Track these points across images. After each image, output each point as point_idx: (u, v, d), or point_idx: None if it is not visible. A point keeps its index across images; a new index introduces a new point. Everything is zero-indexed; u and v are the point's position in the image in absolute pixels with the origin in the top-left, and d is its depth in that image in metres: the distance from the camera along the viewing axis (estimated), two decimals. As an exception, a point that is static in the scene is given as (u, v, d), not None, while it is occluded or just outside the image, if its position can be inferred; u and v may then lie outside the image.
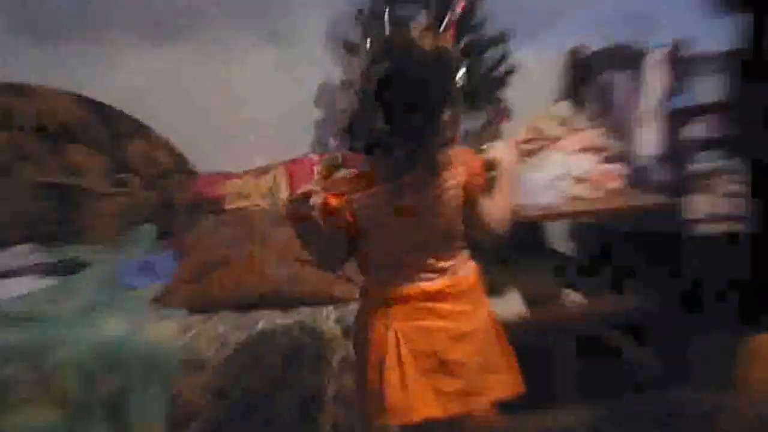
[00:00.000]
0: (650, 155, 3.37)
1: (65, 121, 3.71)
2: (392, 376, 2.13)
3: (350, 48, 3.63)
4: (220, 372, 2.73)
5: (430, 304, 2.21)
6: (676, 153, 3.32)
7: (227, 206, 3.61)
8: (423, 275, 2.22)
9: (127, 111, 3.79)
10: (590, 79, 3.79)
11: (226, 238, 3.19)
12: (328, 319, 2.84)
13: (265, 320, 2.82)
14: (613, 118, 3.64)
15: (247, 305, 2.89)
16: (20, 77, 3.69)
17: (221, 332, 2.78)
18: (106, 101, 3.77)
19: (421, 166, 2.12)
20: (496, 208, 2.26)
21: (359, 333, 2.32)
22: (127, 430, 2.67)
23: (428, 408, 2.14)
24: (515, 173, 2.35)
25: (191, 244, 3.25)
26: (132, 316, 2.83)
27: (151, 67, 3.81)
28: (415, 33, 2.08)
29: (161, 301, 2.97)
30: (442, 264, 2.23)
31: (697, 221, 3.34)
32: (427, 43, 2.04)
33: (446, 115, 2.06)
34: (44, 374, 2.65)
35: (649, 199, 3.30)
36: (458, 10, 3.48)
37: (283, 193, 3.63)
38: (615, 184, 3.31)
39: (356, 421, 2.76)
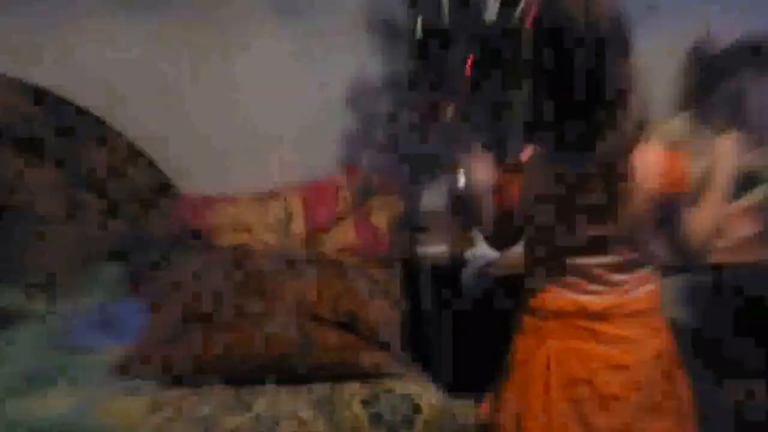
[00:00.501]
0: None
1: (2, 117, 3.65)
2: (536, 404, 2.32)
3: (394, 33, 3.63)
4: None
5: (591, 324, 2.33)
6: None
7: (219, 241, 3.60)
8: (588, 287, 2.34)
9: (86, 106, 3.76)
10: (719, 84, 3.72)
11: (216, 285, 3.14)
12: (352, 400, 2.79)
13: (267, 400, 2.78)
14: (749, 137, 3.56)
15: (242, 377, 2.85)
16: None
17: (205, 414, 2.73)
18: (57, 90, 3.73)
19: (597, 156, 2.21)
20: (699, 219, 2.28)
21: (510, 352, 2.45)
22: None
23: None
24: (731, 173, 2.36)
25: (168, 291, 3.22)
26: (85, 390, 2.78)
27: (119, 46, 3.79)
28: None
29: (125, 368, 2.92)
30: (615, 277, 2.33)
31: None
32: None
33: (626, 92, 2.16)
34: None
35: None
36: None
37: (297, 226, 3.59)
38: (746, 230, 3.23)
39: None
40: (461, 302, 3.20)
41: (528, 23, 3.32)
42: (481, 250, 3.20)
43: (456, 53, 3.48)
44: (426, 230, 3.60)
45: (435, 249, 3.39)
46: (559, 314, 2.36)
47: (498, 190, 2.45)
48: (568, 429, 2.30)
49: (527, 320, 2.42)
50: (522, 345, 2.42)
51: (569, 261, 2.34)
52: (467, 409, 2.79)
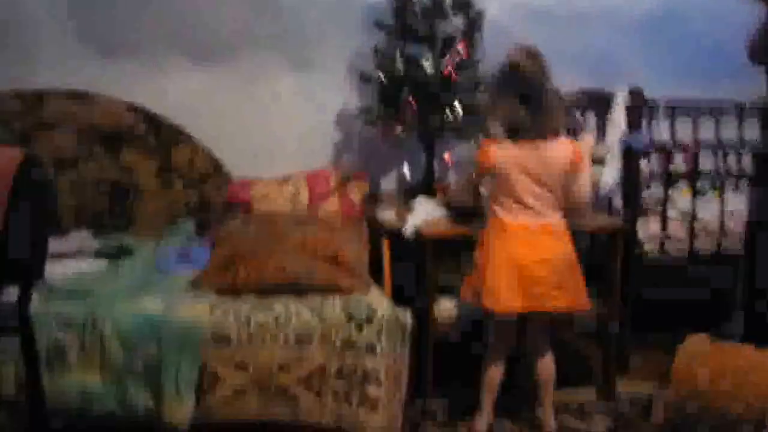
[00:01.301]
0: (611, 184, 3.32)
1: (120, 126, 3.67)
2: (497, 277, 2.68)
3: (367, 78, 3.61)
4: (242, 347, 2.70)
5: (528, 236, 2.70)
6: (630, 185, 3.28)
7: (254, 207, 3.58)
8: (529, 215, 2.71)
9: (173, 120, 3.73)
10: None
11: (252, 234, 3.14)
12: (335, 306, 2.80)
13: (282, 304, 2.79)
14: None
15: (267, 291, 2.85)
16: (83, 87, 3.65)
17: (244, 313, 2.74)
18: (157, 111, 3.71)
19: (540, 136, 2.66)
20: (583, 185, 2.73)
21: (480, 246, 2.80)
22: (161, 394, 2.65)
23: (513, 302, 2.67)
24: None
25: (223, 238, 3.20)
26: (169, 297, 2.80)
27: (194, 84, 3.77)
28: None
29: (195, 284, 2.93)
30: (544, 211, 2.71)
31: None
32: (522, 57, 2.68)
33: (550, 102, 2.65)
34: (92, 343, 2.65)
35: (608, 222, 3.25)
36: (460, 49, 3.45)
37: (303, 199, 3.60)
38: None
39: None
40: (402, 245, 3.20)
41: (446, 73, 3.39)
42: (413, 216, 3.21)
43: (405, 92, 3.47)
44: (382, 202, 3.62)
45: (388, 214, 3.39)
46: (512, 228, 2.70)
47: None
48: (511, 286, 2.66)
49: (489, 233, 2.75)
50: (486, 246, 2.74)
51: (524, 201, 2.69)
52: (404, 314, 2.83)
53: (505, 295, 2.66)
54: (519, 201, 2.71)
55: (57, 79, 3.62)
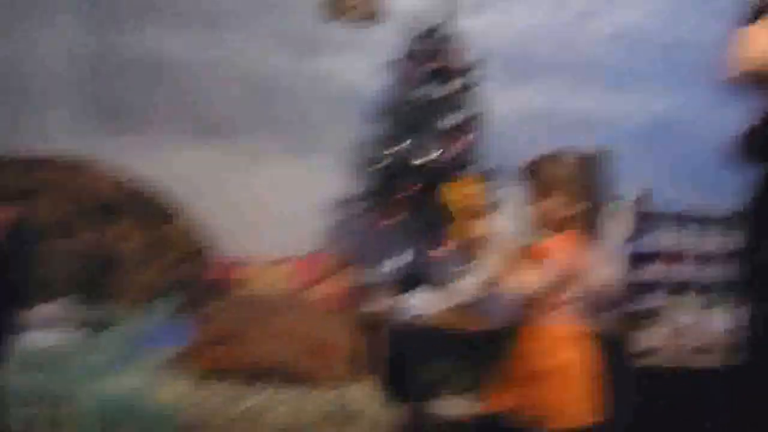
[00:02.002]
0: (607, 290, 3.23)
1: (117, 196, 3.63)
2: None
3: (361, 168, 3.60)
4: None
5: None
6: (630, 291, 3.19)
7: (243, 288, 3.48)
8: None
9: (168, 195, 3.68)
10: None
11: (240, 315, 3.02)
12: (322, 399, 2.68)
13: (264, 395, 2.67)
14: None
15: (249, 377, 2.72)
16: (83, 154, 3.62)
17: (223, 399, 2.62)
18: (152, 184, 3.67)
19: None
20: None
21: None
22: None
23: None
24: None
25: (209, 316, 3.09)
26: (147, 375, 2.69)
27: (192, 160, 3.73)
28: None
29: (177, 362, 2.81)
30: None
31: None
32: None
33: None
34: (66, 418, 2.51)
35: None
36: (459, 144, 3.42)
37: (294, 282, 3.51)
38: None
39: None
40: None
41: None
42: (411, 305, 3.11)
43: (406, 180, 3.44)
44: (377, 290, 3.52)
45: (383, 302, 3.29)
46: None
47: None
48: None
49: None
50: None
51: None
52: (395, 410, 2.70)
53: None
54: None
55: (60, 147, 3.59)
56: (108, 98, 3.69)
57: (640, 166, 3.83)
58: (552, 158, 2.41)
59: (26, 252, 2.53)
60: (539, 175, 2.39)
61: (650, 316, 3.35)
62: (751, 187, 2.51)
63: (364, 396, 2.71)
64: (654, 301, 3.41)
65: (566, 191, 2.35)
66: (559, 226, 2.36)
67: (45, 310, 3.18)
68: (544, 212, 2.37)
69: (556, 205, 2.35)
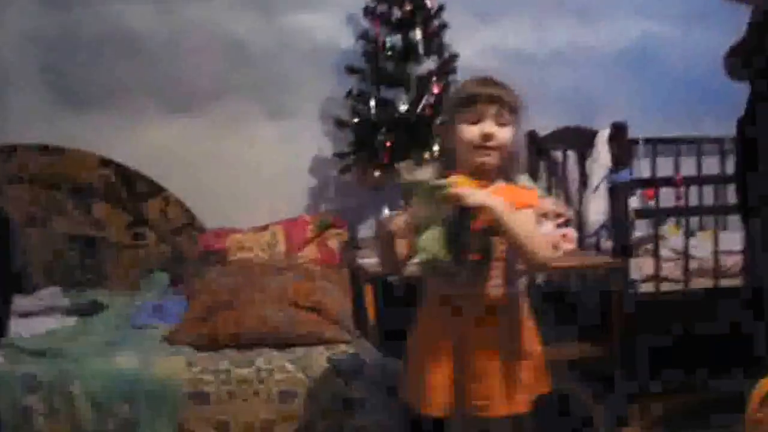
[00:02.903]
0: (598, 222, 3.18)
1: (92, 180, 3.55)
2: None
3: (341, 123, 3.53)
4: (222, 405, 2.51)
5: None
6: (619, 221, 3.13)
7: (231, 257, 3.40)
8: None
9: (145, 173, 3.60)
10: (544, 156, 3.63)
11: (230, 285, 2.95)
12: (320, 358, 2.61)
13: (264, 358, 2.60)
14: (564, 189, 3.48)
15: (248, 344, 2.66)
16: (55, 140, 3.53)
17: (224, 368, 2.55)
18: (128, 164, 3.59)
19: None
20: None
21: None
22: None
23: None
24: None
25: (199, 289, 3.02)
26: (144, 353, 2.61)
27: (167, 134, 3.64)
28: None
29: (171, 339, 2.73)
30: None
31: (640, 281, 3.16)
32: None
33: None
34: (60, 405, 2.44)
35: (601, 260, 3.08)
36: (434, 91, 3.35)
37: (281, 247, 3.44)
38: (568, 246, 3.10)
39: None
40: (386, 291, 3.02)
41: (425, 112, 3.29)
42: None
43: (381, 135, 3.37)
44: (362, 248, 3.47)
45: (369, 260, 3.22)
46: None
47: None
48: None
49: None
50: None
51: None
52: (394, 364, 2.64)
53: None
54: None
55: (28, 133, 3.51)
56: (73, 78, 3.59)
57: (615, 97, 3.82)
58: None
59: (7, 243, 2.44)
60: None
61: (643, 243, 3.30)
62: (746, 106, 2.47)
63: (364, 351, 2.66)
64: (644, 228, 3.38)
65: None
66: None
67: (34, 299, 3.12)
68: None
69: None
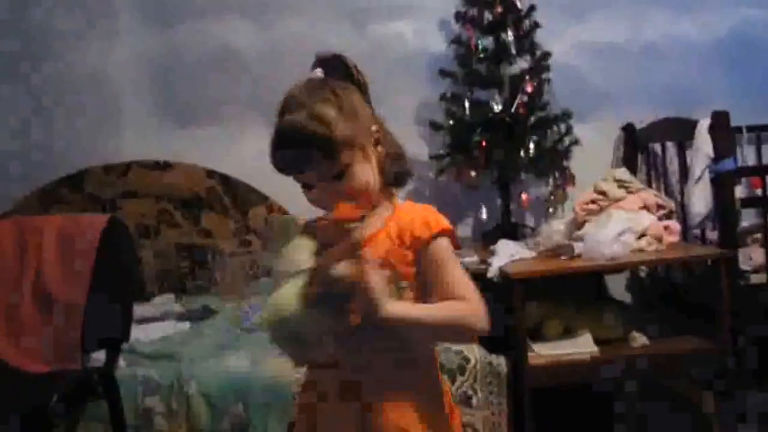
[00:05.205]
0: (702, 214, 3.04)
1: (200, 192, 3.64)
2: None
3: (436, 126, 3.50)
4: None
5: None
6: (726, 211, 2.98)
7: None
8: None
9: (249, 182, 3.65)
10: (643, 149, 3.51)
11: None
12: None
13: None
14: (664, 181, 3.35)
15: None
16: (163, 155, 3.63)
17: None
18: (233, 174, 3.66)
19: None
20: None
21: None
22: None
23: None
24: None
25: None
26: (255, 354, 2.63)
27: (267, 145, 3.63)
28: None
29: (279, 340, 2.73)
30: None
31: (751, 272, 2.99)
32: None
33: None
34: (178, 405, 2.49)
35: (709, 251, 2.95)
36: (528, 90, 3.29)
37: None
38: (672, 238, 2.98)
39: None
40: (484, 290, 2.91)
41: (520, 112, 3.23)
42: (497, 259, 2.95)
43: (477, 136, 3.33)
44: (461, 248, 3.39)
45: (469, 259, 3.13)
46: None
47: None
48: None
49: None
50: None
51: None
52: (498, 360, 2.59)
53: None
54: None
55: (139, 150, 3.62)
56: (179, 96, 3.67)
57: (714, 86, 3.66)
58: None
59: (123, 255, 2.51)
60: None
61: (750, 233, 3.15)
62: None
63: (468, 347, 2.57)
64: (751, 217, 3.22)
65: None
66: None
67: (149, 306, 3.20)
68: None
69: None
